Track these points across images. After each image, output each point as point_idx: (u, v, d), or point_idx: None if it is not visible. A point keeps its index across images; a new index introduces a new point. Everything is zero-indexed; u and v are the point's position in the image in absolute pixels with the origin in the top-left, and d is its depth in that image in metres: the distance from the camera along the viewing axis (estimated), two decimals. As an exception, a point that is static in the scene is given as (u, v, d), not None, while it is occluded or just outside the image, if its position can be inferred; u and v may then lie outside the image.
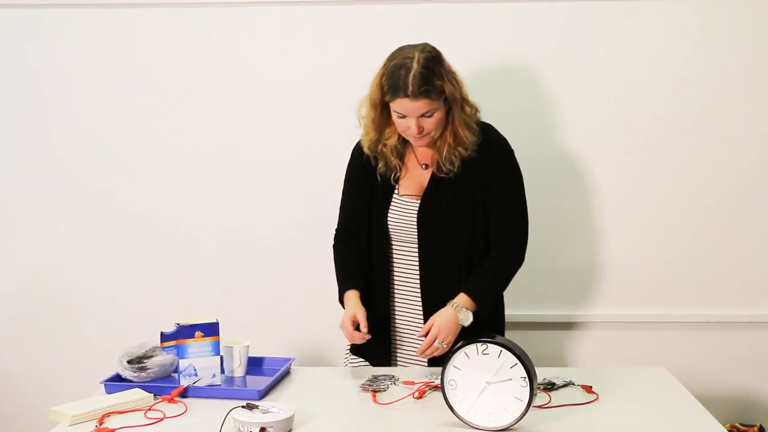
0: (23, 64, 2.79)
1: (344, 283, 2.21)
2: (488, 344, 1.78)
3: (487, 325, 2.12)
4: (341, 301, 2.20)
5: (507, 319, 2.76)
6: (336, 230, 2.32)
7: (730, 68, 2.70)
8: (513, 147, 2.23)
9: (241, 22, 2.73)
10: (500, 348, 1.77)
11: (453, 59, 2.67)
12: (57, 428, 1.83)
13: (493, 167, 2.17)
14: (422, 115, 2.05)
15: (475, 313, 2.11)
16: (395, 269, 2.23)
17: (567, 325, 2.83)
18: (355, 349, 2.27)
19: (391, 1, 2.68)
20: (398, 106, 2.05)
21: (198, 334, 2.05)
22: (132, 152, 2.81)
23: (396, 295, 2.24)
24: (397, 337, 2.25)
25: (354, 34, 2.70)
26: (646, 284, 2.80)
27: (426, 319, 2.14)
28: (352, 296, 2.16)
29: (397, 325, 2.25)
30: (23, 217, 2.86)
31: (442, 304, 2.12)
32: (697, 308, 2.80)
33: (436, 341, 2.04)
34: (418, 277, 2.20)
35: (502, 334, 2.25)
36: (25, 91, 2.80)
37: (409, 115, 2.05)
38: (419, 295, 2.20)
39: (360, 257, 2.24)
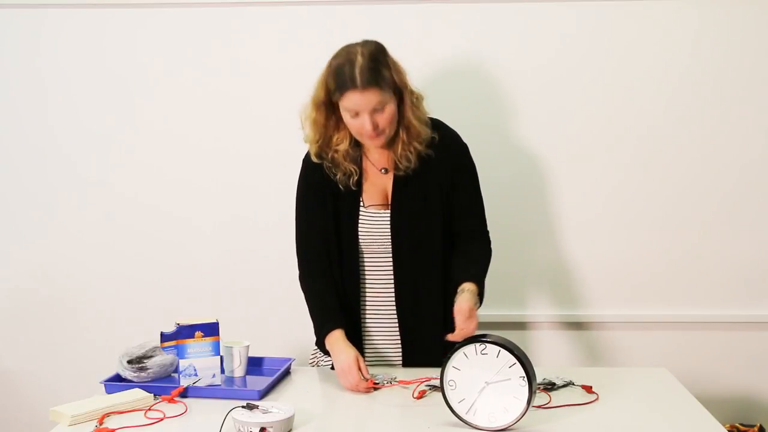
0: (27, 64, 2.79)
1: (326, 321, 2.13)
2: (487, 344, 1.78)
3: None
4: (321, 339, 2.14)
5: (508, 320, 2.78)
6: (299, 255, 2.23)
7: (730, 69, 2.69)
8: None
9: (242, 21, 2.73)
10: (499, 348, 1.77)
11: (451, 59, 2.70)
12: (57, 428, 1.83)
13: (453, 165, 2.16)
14: (375, 110, 2.00)
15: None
16: (367, 277, 2.19)
17: (567, 325, 2.83)
18: (325, 349, 2.21)
19: (392, 1, 2.68)
20: (349, 102, 1.99)
21: (198, 334, 2.05)
22: (134, 151, 2.81)
23: (368, 301, 2.20)
24: (367, 344, 2.22)
25: (355, 33, 2.69)
26: (646, 284, 2.80)
27: (400, 323, 2.17)
28: (341, 337, 2.09)
29: (368, 330, 2.22)
30: (23, 217, 2.86)
31: (416, 308, 2.14)
32: (696, 308, 2.80)
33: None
34: (392, 283, 2.17)
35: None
36: (28, 90, 2.80)
37: (361, 110, 1.99)
38: (393, 300, 2.18)
39: (333, 286, 2.17)
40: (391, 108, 2.03)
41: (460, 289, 2.01)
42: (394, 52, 2.09)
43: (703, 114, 2.72)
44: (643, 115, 2.72)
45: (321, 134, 2.10)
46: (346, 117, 2.04)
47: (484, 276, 2.13)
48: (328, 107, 2.07)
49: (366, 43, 2.05)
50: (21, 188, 2.85)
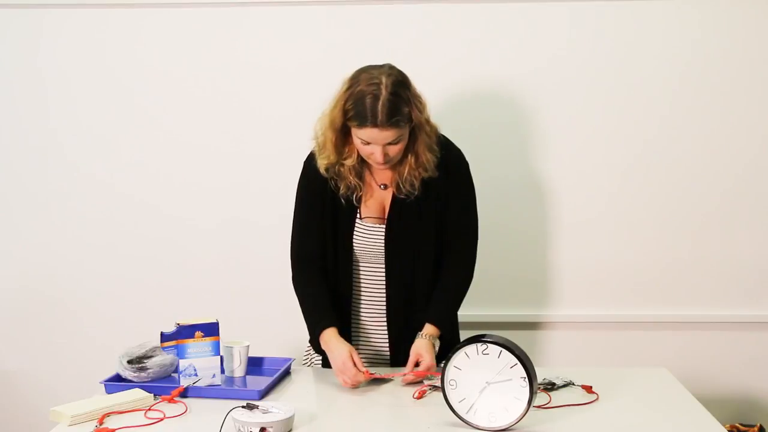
0: (27, 64, 2.79)
1: (319, 320, 2.14)
2: (488, 344, 1.78)
3: (449, 346, 2.11)
4: (315, 339, 2.15)
5: (508, 320, 2.79)
6: (293, 257, 2.23)
7: (729, 70, 2.70)
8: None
9: (243, 21, 2.73)
10: (500, 348, 1.77)
11: (451, 59, 2.70)
12: (57, 428, 1.83)
13: (451, 184, 2.15)
14: (388, 144, 2.00)
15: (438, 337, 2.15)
16: (362, 284, 2.21)
17: (568, 326, 2.83)
18: (317, 348, 2.22)
19: (392, 1, 2.68)
20: (365, 134, 1.98)
21: (198, 334, 2.05)
22: (134, 151, 2.81)
23: (361, 307, 2.22)
24: (361, 345, 2.24)
25: (355, 33, 2.70)
26: (646, 285, 2.80)
27: (389, 332, 2.19)
28: (334, 335, 2.10)
29: (359, 336, 2.24)
30: (24, 217, 2.86)
31: (406, 318, 2.16)
32: (696, 308, 2.80)
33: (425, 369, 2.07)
34: (384, 289, 2.19)
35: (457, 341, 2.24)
36: (28, 90, 2.80)
37: (376, 143, 1.99)
38: (384, 309, 2.20)
39: (326, 287, 2.18)
40: (405, 141, 2.03)
41: (421, 333, 2.13)
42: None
43: (702, 114, 2.72)
44: (642, 115, 2.72)
45: (334, 152, 2.08)
46: (358, 142, 2.03)
47: (453, 312, 2.24)
48: (343, 129, 2.05)
49: (390, 73, 1.99)
50: (21, 188, 2.85)
